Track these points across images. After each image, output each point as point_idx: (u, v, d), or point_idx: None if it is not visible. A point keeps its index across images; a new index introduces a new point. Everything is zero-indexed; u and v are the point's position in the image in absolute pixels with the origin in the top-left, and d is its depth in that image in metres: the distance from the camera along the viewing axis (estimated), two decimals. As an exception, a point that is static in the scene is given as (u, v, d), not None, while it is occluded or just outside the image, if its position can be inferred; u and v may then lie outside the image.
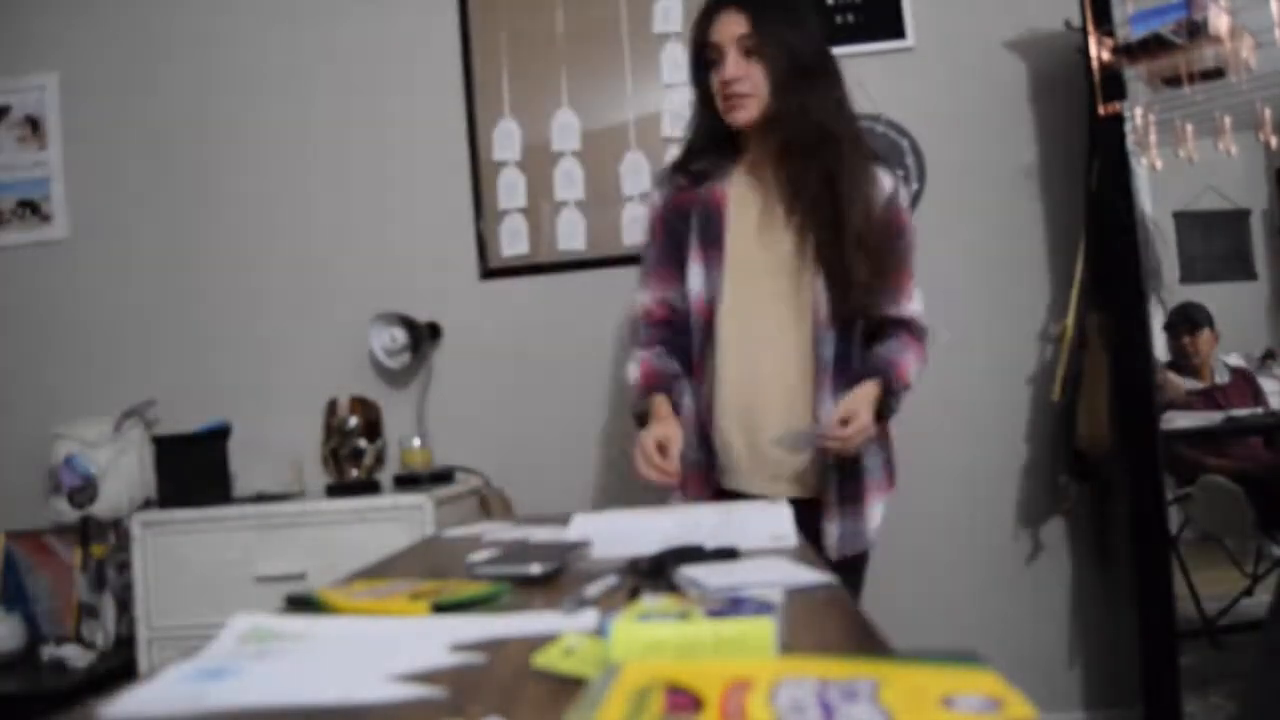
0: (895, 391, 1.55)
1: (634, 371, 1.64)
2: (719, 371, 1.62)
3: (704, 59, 1.59)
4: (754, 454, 1.61)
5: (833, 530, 1.60)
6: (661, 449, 1.48)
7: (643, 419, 1.60)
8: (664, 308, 1.67)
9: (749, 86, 1.54)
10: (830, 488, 1.59)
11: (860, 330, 1.62)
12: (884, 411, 1.57)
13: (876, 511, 1.64)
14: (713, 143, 1.64)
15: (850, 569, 1.61)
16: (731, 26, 1.55)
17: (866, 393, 1.53)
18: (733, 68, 1.54)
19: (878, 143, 2.46)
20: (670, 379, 1.62)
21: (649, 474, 1.48)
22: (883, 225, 1.58)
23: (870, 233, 1.55)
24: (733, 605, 0.60)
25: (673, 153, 2.43)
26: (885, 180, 1.61)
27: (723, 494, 1.65)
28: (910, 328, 1.64)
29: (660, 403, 1.58)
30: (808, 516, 1.55)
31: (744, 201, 1.63)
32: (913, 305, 1.65)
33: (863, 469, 1.61)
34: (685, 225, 1.64)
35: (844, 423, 1.49)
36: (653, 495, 1.64)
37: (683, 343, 1.66)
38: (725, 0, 1.57)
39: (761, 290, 1.60)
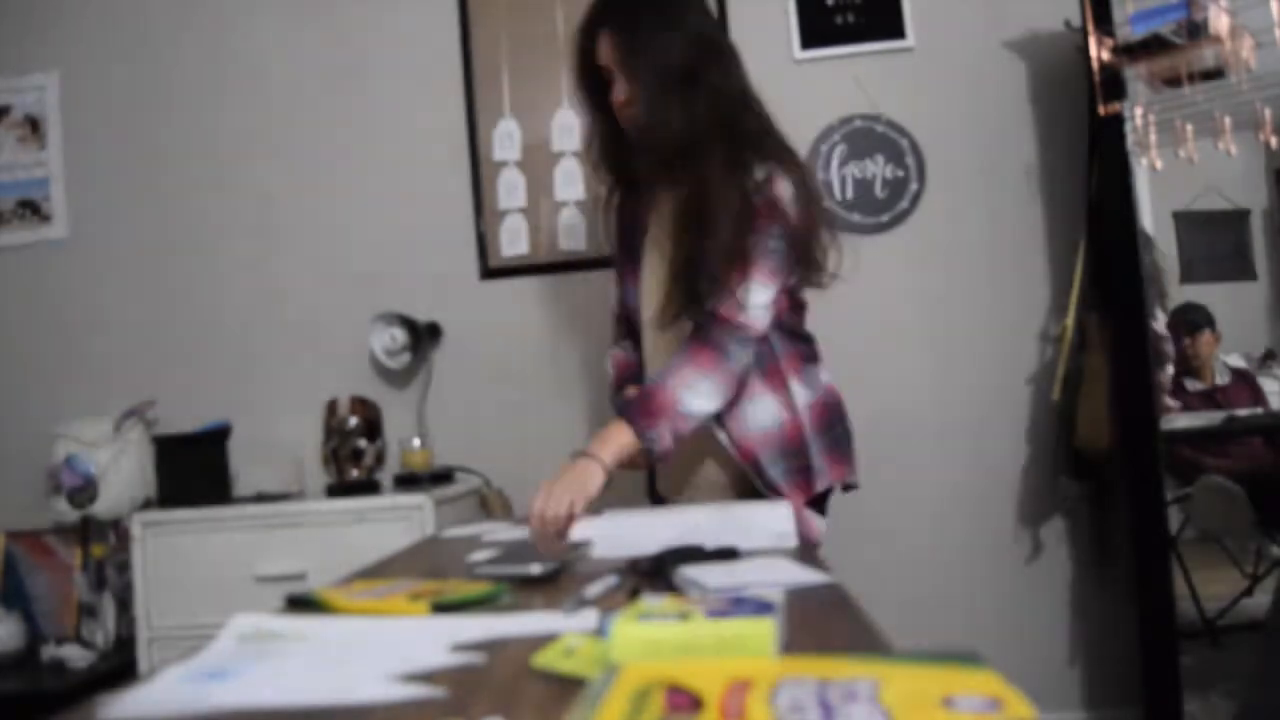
0: (644, 431, 1.39)
1: (608, 364, 1.76)
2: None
3: (599, 77, 1.57)
4: (677, 465, 1.62)
5: None
6: (562, 524, 1.31)
7: (623, 410, 1.49)
8: (621, 307, 1.77)
9: (635, 107, 1.53)
10: (733, 491, 1.60)
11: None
12: (651, 453, 1.42)
13: (809, 514, 1.56)
14: (620, 154, 1.64)
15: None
16: (606, 49, 1.54)
17: (595, 441, 1.41)
18: (619, 91, 1.53)
19: (877, 142, 2.47)
20: (638, 370, 1.70)
21: (534, 530, 1.34)
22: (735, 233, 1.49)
23: (740, 237, 1.47)
24: (733, 605, 0.60)
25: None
26: (780, 189, 1.49)
27: (656, 497, 1.76)
28: (702, 336, 1.47)
29: (618, 429, 1.44)
30: None
31: (661, 212, 1.63)
32: (729, 300, 1.46)
33: (766, 483, 1.53)
34: (631, 236, 1.71)
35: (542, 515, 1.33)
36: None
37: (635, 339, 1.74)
38: (598, 23, 1.55)
39: (656, 301, 1.57)
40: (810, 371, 1.61)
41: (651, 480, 1.82)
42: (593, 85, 1.59)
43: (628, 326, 1.75)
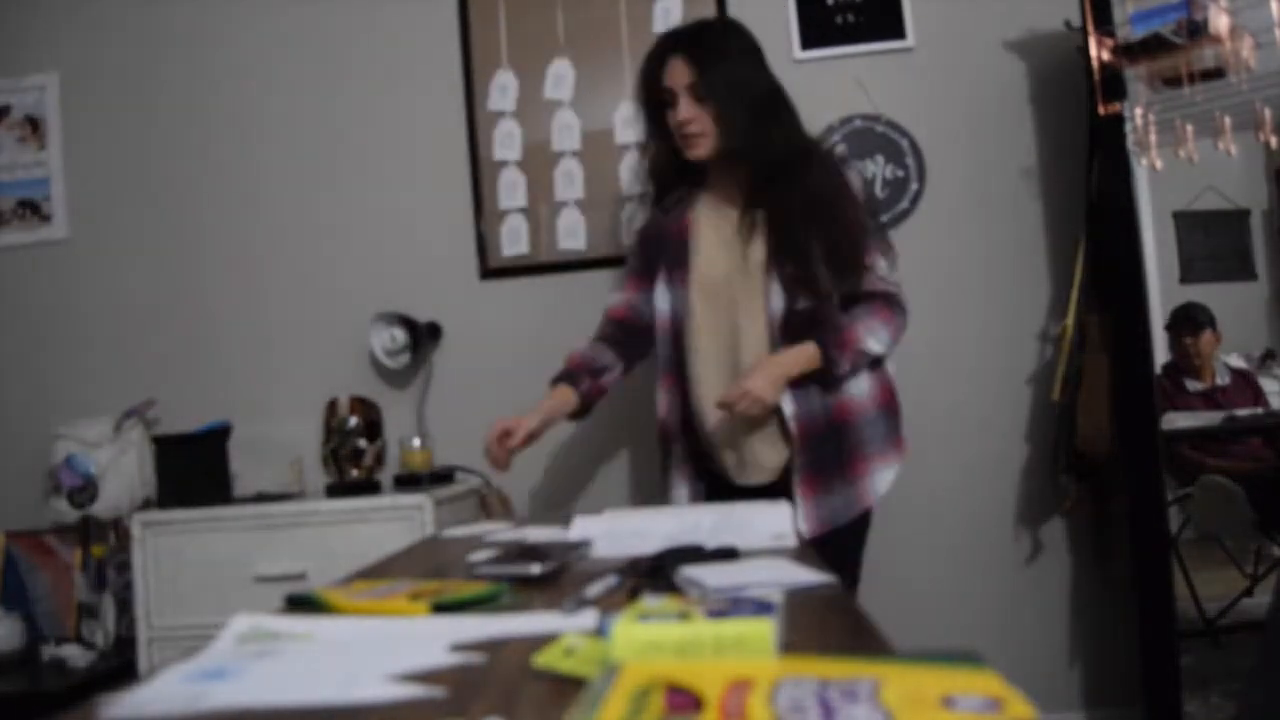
0: (832, 356, 1.65)
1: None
2: (696, 375, 1.78)
3: (657, 98, 1.76)
4: (735, 446, 1.77)
5: (810, 504, 1.70)
6: (505, 435, 1.70)
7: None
8: (625, 309, 1.90)
9: (700, 127, 1.70)
10: (798, 468, 1.70)
11: (834, 313, 1.73)
12: (826, 376, 1.67)
13: (881, 479, 1.75)
14: (675, 170, 1.82)
15: (848, 533, 1.73)
16: (679, 75, 1.71)
17: (782, 356, 1.67)
18: (684, 111, 1.70)
19: (877, 142, 2.47)
20: (589, 370, 1.82)
21: (487, 453, 1.71)
22: (854, 224, 1.73)
23: (843, 239, 1.70)
24: (733, 605, 0.60)
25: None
26: (854, 181, 1.76)
27: (712, 482, 1.83)
28: (875, 296, 1.73)
29: (555, 392, 1.80)
30: (783, 496, 1.68)
31: (709, 224, 1.80)
32: (873, 278, 1.73)
33: (854, 442, 1.72)
34: (657, 251, 1.85)
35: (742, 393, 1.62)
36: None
37: (635, 343, 1.87)
38: (671, 50, 1.74)
39: (723, 301, 1.76)
40: None
41: (694, 461, 1.86)
42: (654, 105, 1.78)
43: (623, 330, 1.88)
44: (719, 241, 1.78)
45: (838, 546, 1.67)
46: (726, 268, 1.76)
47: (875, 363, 1.76)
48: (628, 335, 1.88)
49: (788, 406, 1.68)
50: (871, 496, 1.74)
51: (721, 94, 1.68)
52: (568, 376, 1.82)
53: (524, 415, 1.73)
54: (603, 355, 1.85)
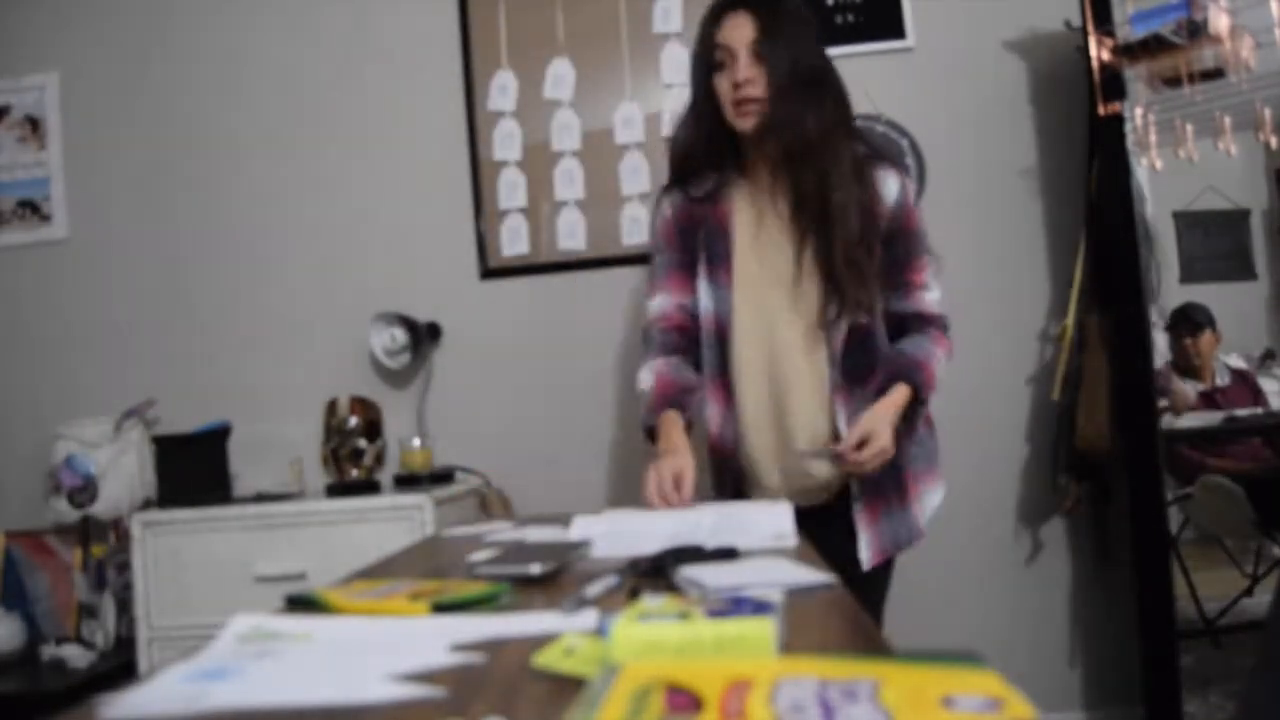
0: (924, 398, 1.57)
1: (647, 380, 1.60)
2: (739, 388, 1.62)
3: (710, 60, 1.56)
4: (782, 466, 1.62)
5: (873, 531, 1.60)
6: (677, 482, 1.42)
7: (652, 433, 1.57)
8: (682, 314, 1.66)
9: (757, 90, 1.52)
10: (859, 494, 1.59)
11: (881, 327, 1.62)
12: (912, 416, 1.57)
13: (929, 501, 1.67)
14: (713, 147, 1.62)
15: (887, 566, 1.65)
16: (743, 30, 1.53)
17: (889, 405, 1.53)
18: (745, 70, 1.51)
19: (877, 143, 2.46)
20: (685, 392, 1.58)
21: (659, 505, 1.41)
22: (892, 226, 1.58)
23: (871, 237, 1.55)
24: (733, 605, 0.60)
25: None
26: (891, 182, 1.59)
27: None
28: (933, 322, 1.63)
29: (672, 424, 1.53)
30: (839, 520, 1.59)
31: (745, 215, 1.63)
32: (928, 296, 1.63)
33: (904, 462, 1.61)
34: (694, 240, 1.65)
35: (861, 444, 1.49)
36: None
37: (697, 351, 1.66)
38: (736, 3, 1.55)
39: (767, 304, 1.60)
40: None
41: (719, 478, 1.70)
42: (706, 68, 1.58)
43: (688, 339, 1.65)
44: (755, 234, 1.61)
45: (882, 577, 1.64)
46: (763, 267, 1.60)
47: None
48: (689, 342, 1.65)
49: (843, 423, 1.56)
50: (923, 522, 1.65)
51: (781, 58, 1.51)
52: (674, 404, 1.56)
53: (665, 458, 1.46)
54: (686, 373, 1.61)
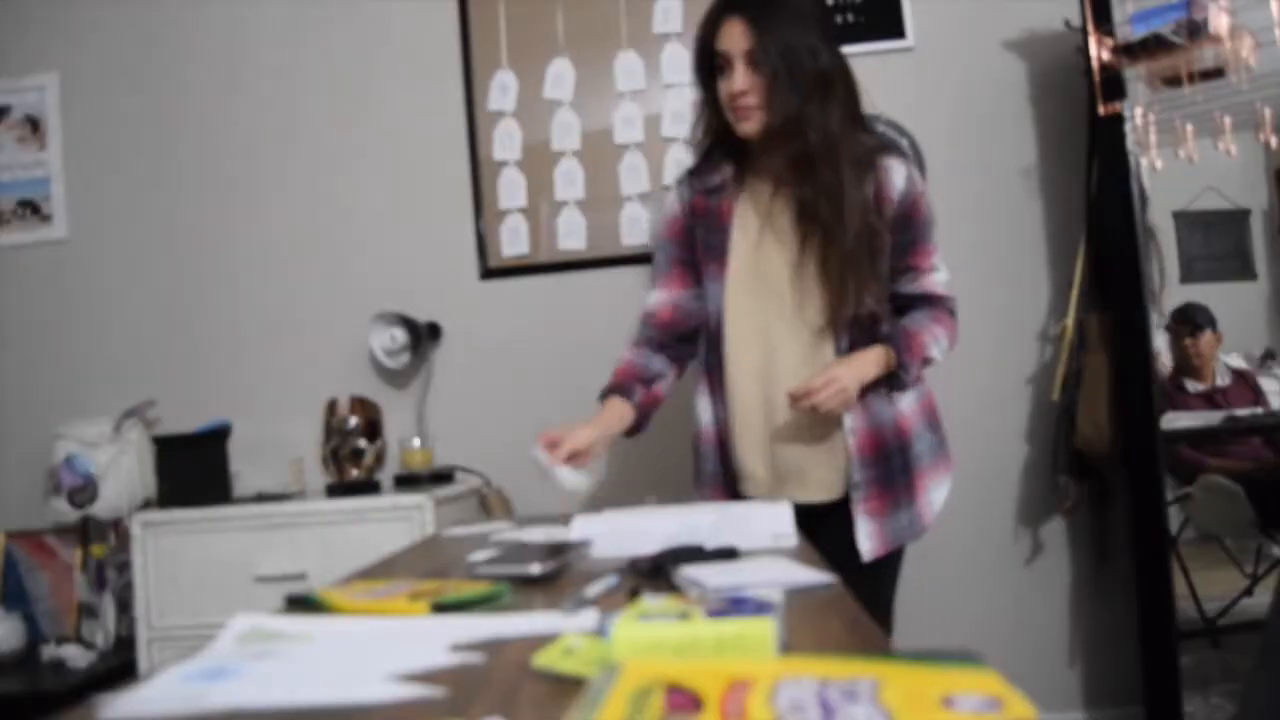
0: (905, 362, 1.55)
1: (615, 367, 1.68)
2: (730, 387, 1.63)
3: (711, 64, 1.56)
4: (774, 464, 1.62)
5: (877, 523, 1.59)
6: (558, 441, 1.49)
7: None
8: (670, 310, 1.68)
9: (754, 99, 1.52)
10: (861, 484, 1.58)
11: (881, 320, 1.61)
12: (894, 382, 1.57)
13: (936, 495, 1.66)
14: (722, 147, 1.63)
15: (896, 557, 1.64)
16: (738, 38, 1.51)
17: (860, 357, 1.55)
18: (741, 80, 1.51)
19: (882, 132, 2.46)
20: (640, 380, 1.64)
21: (535, 447, 1.50)
22: (899, 215, 1.57)
23: (877, 234, 1.55)
24: (733, 605, 0.60)
25: (673, 153, 2.47)
26: (898, 173, 1.57)
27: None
28: (937, 302, 1.64)
29: (609, 405, 1.61)
30: (837, 519, 1.58)
31: (747, 214, 1.63)
32: (935, 278, 1.64)
33: (911, 457, 1.61)
34: (696, 236, 1.67)
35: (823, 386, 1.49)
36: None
37: (682, 347, 1.69)
38: (731, 9, 1.53)
39: (763, 304, 1.60)
40: None
41: (726, 481, 1.71)
42: (708, 71, 1.58)
43: (668, 334, 1.69)
44: (758, 236, 1.61)
45: (888, 569, 1.63)
46: (763, 266, 1.60)
47: None
48: (675, 339, 1.69)
49: (847, 419, 1.56)
50: (930, 515, 1.64)
51: (778, 65, 1.48)
52: (619, 389, 1.62)
53: (575, 424, 1.53)
54: (652, 362, 1.66)
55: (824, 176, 1.52)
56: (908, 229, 1.59)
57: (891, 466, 1.59)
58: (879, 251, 1.56)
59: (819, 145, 1.51)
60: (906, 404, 1.62)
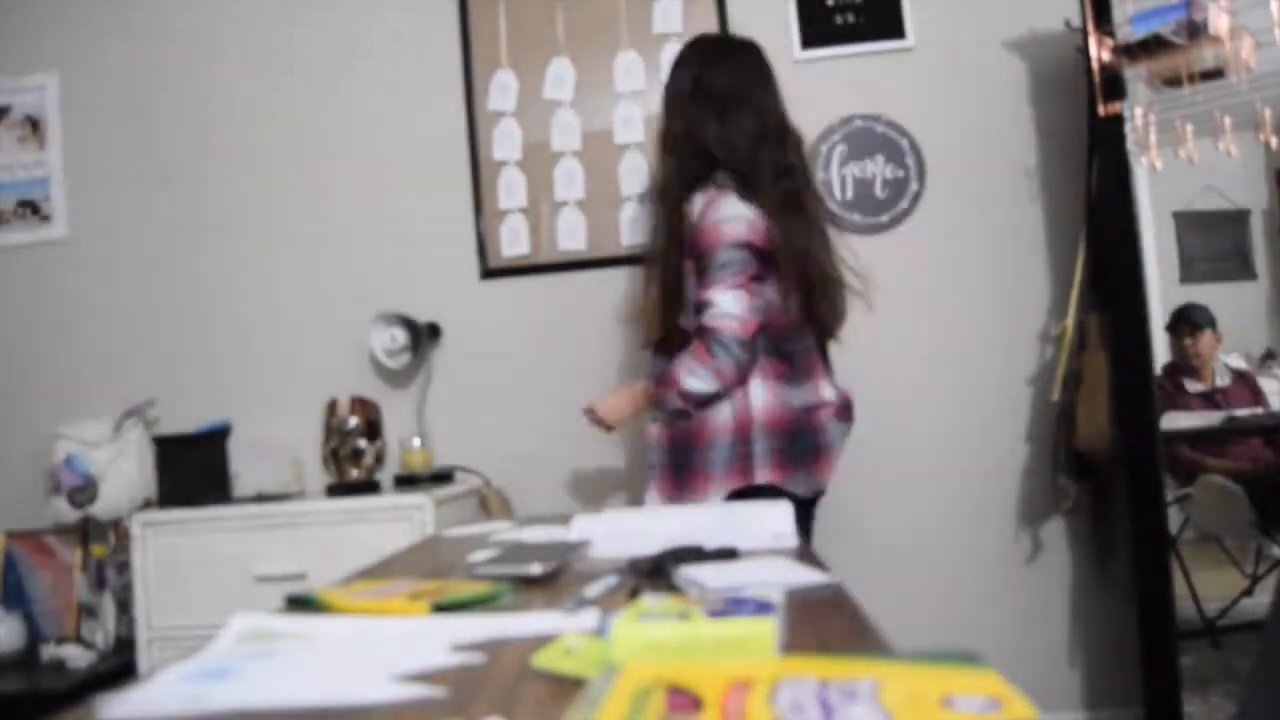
0: (656, 399, 1.84)
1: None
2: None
3: None
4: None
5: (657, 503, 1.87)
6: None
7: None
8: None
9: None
10: (653, 465, 1.87)
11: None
12: (658, 401, 1.84)
13: (649, 501, 1.88)
14: None
15: None
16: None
17: (623, 391, 1.97)
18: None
19: (877, 142, 2.47)
20: None
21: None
22: (692, 246, 1.81)
23: (679, 265, 1.83)
24: (733, 605, 0.60)
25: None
26: (695, 203, 1.81)
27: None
28: (699, 333, 1.79)
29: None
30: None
31: None
32: (708, 312, 1.77)
33: (702, 462, 1.83)
34: None
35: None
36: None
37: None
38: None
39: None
40: (783, 387, 1.81)
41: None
42: None
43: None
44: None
45: None
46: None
47: (716, 397, 1.78)
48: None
49: (654, 418, 1.86)
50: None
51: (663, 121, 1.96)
52: None
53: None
54: None
55: (655, 219, 2.00)
56: (697, 261, 1.81)
57: (677, 459, 1.84)
58: (684, 278, 1.84)
59: (659, 191, 1.98)
60: (721, 416, 1.80)
